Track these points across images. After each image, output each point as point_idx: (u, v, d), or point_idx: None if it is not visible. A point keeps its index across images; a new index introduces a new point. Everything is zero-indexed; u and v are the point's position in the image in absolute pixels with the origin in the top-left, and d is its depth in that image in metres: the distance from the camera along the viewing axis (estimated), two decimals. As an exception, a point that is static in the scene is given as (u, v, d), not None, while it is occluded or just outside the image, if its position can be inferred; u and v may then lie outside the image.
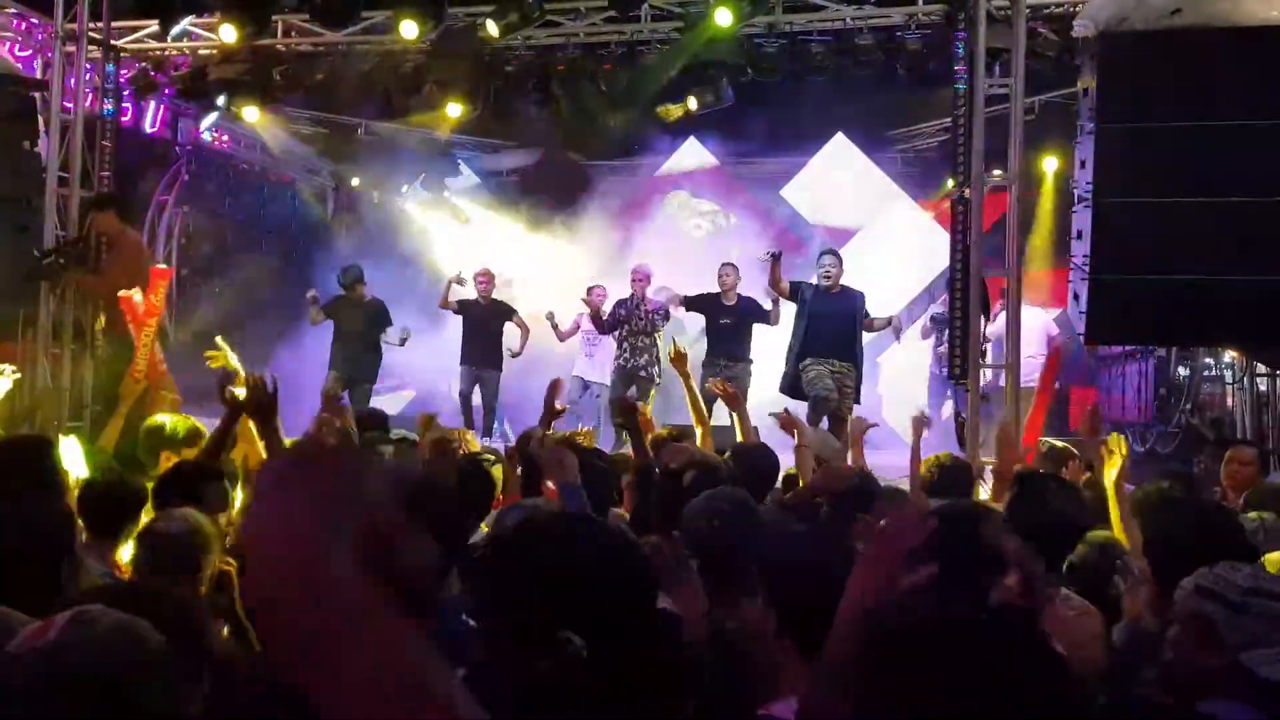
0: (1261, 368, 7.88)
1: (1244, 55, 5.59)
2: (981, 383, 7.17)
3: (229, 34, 8.35)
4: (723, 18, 7.91)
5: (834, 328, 7.78)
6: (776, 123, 11.75)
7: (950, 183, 7.56)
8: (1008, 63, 7.17)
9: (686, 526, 2.71)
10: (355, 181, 12.68)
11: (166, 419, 4.17)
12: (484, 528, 3.14)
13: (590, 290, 9.22)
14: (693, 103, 9.17)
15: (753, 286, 8.78)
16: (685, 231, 12.90)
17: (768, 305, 8.41)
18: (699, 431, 4.88)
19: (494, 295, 9.70)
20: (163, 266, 7.31)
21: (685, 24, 8.49)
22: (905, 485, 4.37)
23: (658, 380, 8.82)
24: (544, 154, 12.93)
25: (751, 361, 8.43)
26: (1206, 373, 8.61)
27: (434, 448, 3.91)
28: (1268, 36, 5.57)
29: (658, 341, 8.88)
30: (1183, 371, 8.62)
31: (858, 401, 7.95)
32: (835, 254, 8.24)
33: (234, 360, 4.10)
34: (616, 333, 8.96)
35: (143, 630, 1.37)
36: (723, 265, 8.87)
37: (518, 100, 10.18)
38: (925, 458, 4.38)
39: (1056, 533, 2.96)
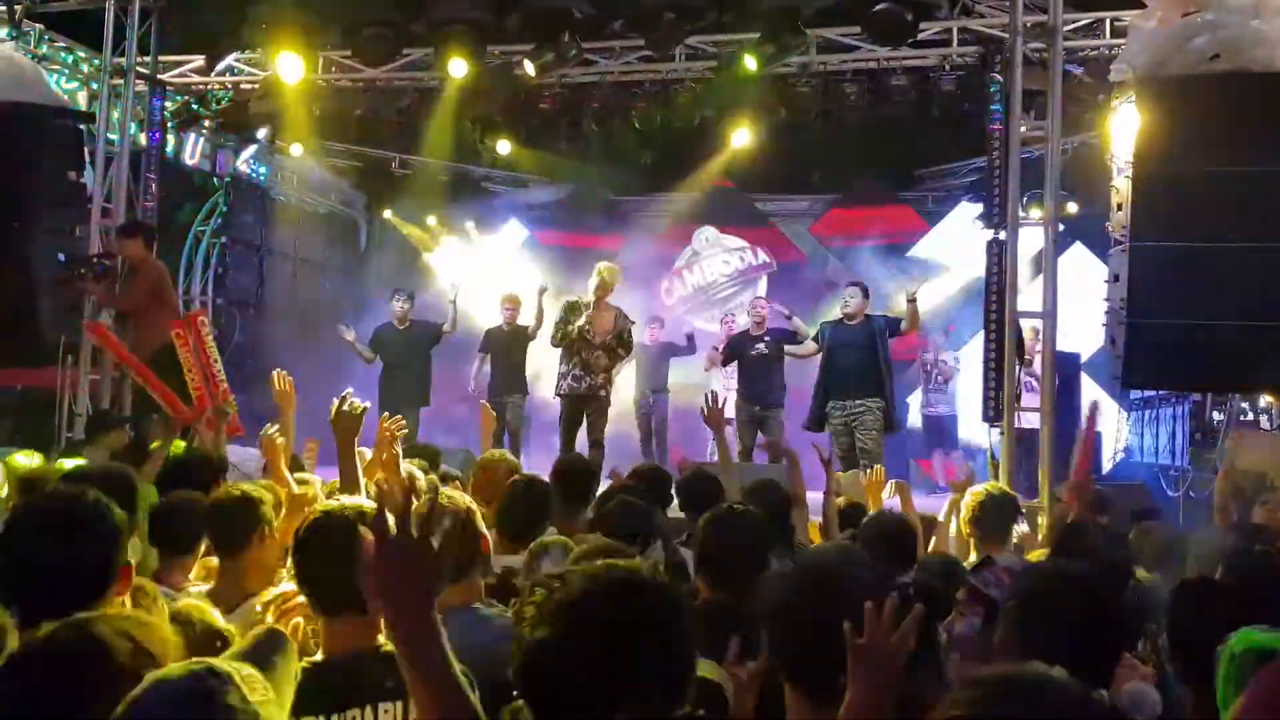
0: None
1: (1283, 101, 5.60)
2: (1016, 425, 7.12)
3: (290, 73, 8.48)
4: (750, 64, 8.11)
5: (853, 358, 7.76)
6: (806, 160, 11.81)
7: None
8: (1042, 104, 7.18)
9: None
10: (388, 214, 12.82)
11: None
12: None
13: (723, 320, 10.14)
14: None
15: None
16: (713, 267, 12.95)
17: (800, 328, 8.44)
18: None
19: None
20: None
21: (719, 63, 8.59)
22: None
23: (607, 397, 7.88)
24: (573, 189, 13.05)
25: (782, 407, 8.37)
26: (1242, 417, 8.51)
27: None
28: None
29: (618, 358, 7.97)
30: (1218, 416, 8.53)
31: (898, 428, 7.90)
32: (858, 285, 8.23)
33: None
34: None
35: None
36: (754, 299, 8.93)
37: (550, 136, 10.32)
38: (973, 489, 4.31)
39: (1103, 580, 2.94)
